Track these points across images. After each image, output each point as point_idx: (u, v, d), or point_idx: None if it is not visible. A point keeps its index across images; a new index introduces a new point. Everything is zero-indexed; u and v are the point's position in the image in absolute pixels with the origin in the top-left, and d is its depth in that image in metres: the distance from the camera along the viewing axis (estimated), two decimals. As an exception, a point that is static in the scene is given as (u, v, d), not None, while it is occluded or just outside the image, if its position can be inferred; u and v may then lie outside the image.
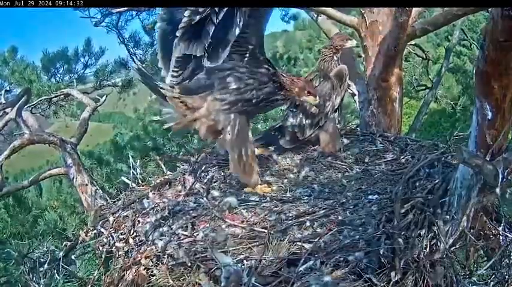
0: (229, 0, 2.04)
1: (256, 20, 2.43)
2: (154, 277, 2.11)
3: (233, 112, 2.67)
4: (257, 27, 2.48)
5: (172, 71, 2.56)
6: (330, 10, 4.28)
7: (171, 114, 2.75)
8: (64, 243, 3.29)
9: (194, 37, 2.32)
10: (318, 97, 2.97)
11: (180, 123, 2.75)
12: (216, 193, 2.80)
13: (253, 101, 2.68)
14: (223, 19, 2.23)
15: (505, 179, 1.86)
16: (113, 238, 2.69)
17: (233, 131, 2.68)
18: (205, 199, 2.70)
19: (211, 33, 2.26)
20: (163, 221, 2.50)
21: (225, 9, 2.19)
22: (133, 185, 3.39)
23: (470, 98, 11.47)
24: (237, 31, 2.29)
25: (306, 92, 2.87)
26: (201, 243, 2.19)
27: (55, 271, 3.02)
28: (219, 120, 2.68)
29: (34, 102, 5.70)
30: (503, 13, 1.47)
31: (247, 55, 2.57)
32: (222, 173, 3.14)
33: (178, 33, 2.32)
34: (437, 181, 2.38)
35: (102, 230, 2.88)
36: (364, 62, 4.52)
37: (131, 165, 3.60)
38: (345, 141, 3.59)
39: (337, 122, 3.53)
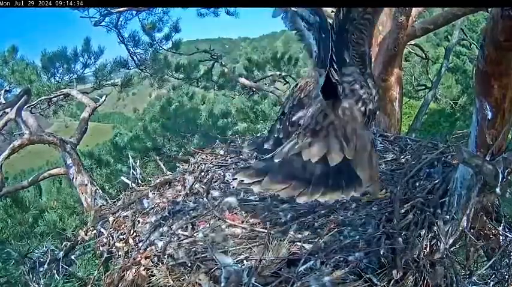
0: (230, 0, 2.03)
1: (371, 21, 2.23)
2: (154, 277, 2.10)
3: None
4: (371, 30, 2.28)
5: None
6: (330, 10, 4.28)
7: None
8: (64, 243, 3.28)
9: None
10: None
11: None
12: (216, 193, 2.79)
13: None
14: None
15: (505, 179, 1.85)
16: (113, 238, 2.69)
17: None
18: (205, 199, 2.70)
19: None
20: (163, 221, 2.50)
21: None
22: (133, 185, 3.39)
23: (470, 97, 11.48)
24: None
25: None
26: (201, 243, 2.19)
27: (55, 271, 3.02)
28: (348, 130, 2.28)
29: (34, 102, 5.69)
30: (503, 13, 1.47)
31: (361, 62, 2.32)
32: (222, 173, 3.14)
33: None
34: (437, 181, 2.39)
35: (102, 230, 2.88)
36: (364, 62, 4.51)
37: (131, 165, 3.60)
38: None
39: None
